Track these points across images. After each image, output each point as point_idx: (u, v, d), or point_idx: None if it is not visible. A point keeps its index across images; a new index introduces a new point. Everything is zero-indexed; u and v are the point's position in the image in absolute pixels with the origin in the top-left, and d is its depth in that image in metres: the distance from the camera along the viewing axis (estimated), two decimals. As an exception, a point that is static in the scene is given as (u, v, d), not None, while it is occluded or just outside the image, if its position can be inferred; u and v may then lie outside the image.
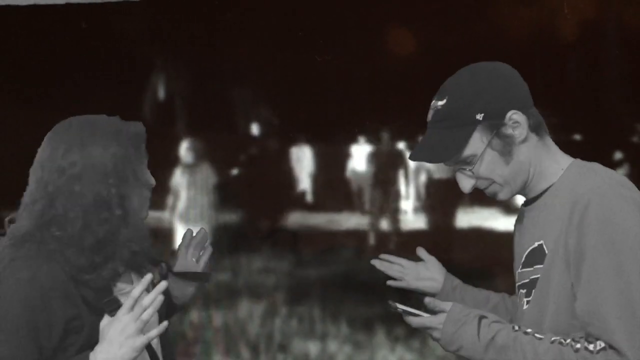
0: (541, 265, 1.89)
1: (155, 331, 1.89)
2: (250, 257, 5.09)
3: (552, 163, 1.93)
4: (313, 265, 5.12)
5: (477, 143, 1.86)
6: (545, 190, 1.93)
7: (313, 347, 4.88)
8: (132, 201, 2.02)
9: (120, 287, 2.08)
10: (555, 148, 1.98)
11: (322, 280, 5.05)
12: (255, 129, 5.23)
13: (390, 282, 2.45)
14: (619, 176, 1.95)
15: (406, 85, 4.45)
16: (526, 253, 1.93)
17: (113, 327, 1.86)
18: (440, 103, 1.89)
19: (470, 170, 1.89)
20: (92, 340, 1.92)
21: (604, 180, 1.88)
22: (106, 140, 2.00)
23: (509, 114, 1.87)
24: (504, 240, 4.47)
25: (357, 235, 5.09)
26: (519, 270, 1.97)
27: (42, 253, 1.94)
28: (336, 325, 4.90)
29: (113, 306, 1.95)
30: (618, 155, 4.84)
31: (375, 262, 2.50)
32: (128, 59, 4.81)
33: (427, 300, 2.01)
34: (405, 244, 4.99)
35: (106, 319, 1.91)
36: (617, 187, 1.86)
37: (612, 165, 4.72)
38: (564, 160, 1.96)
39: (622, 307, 1.75)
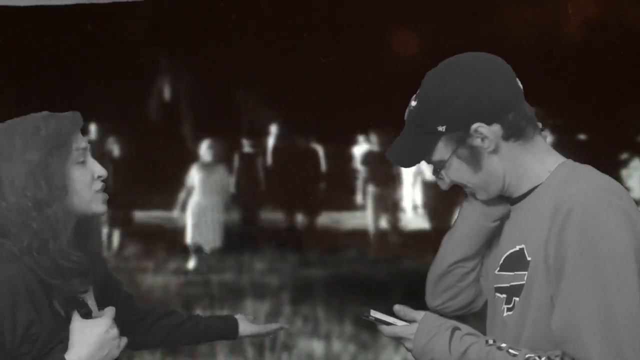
0: (524, 272, 1.74)
1: (125, 339, 1.92)
2: (255, 257, 5.10)
3: (537, 165, 1.78)
4: (317, 265, 5.13)
5: (442, 151, 1.77)
6: (530, 192, 1.79)
7: (317, 347, 4.89)
8: (52, 209, 1.89)
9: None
10: (544, 148, 1.81)
11: (327, 280, 5.06)
12: (259, 130, 5.24)
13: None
14: (609, 181, 1.75)
15: (410, 87, 4.45)
16: (505, 255, 1.80)
17: (94, 327, 1.86)
18: (413, 104, 1.82)
19: (441, 173, 1.82)
20: (44, 351, 1.86)
21: (589, 185, 1.71)
22: (21, 148, 1.89)
23: (474, 126, 1.73)
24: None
25: (361, 235, 5.10)
26: (496, 272, 1.83)
27: (9, 257, 1.87)
28: (340, 325, 4.91)
29: (84, 309, 1.92)
30: (623, 155, 4.85)
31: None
32: (133, 59, 4.83)
33: (396, 307, 1.87)
34: (409, 244, 5.00)
35: (79, 321, 1.88)
36: (604, 193, 1.69)
37: (616, 165, 4.72)
38: (552, 161, 1.79)
39: (601, 325, 1.61)
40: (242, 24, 4.78)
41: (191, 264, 5.24)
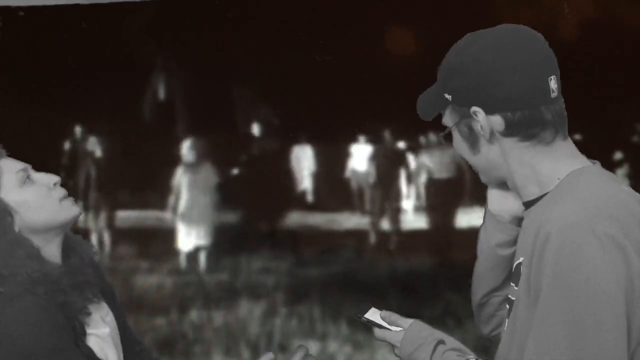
0: (516, 288, 1.63)
1: None
2: (250, 257, 5.09)
3: (546, 169, 1.63)
4: (313, 265, 5.13)
5: (448, 118, 1.68)
6: (538, 199, 1.64)
7: (313, 347, 4.89)
8: (4, 239, 1.90)
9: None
10: (564, 153, 1.64)
11: (322, 280, 5.05)
12: (255, 129, 5.24)
13: None
14: (604, 202, 1.55)
15: (406, 86, 4.45)
16: (514, 266, 1.68)
17: None
18: (444, 60, 1.70)
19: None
20: None
21: (574, 205, 1.54)
22: None
23: (473, 109, 1.62)
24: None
25: (357, 235, 5.09)
26: (510, 283, 1.72)
27: (20, 290, 1.86)
28: (336, 325, 4.90)
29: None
30: (618, 155, 4.85)
31: None
32: (128, 59, 4.82)
33: (383, 314, 1.80)
34: (405, 244, 5.00)
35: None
36: (589, 216, 1.50)
37: (613, 165, 4.72)
38: (566, 168, 1.62)
39: None
40: (237, 23, 4.77)
41: (186, 264, 5.23)
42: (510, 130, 1.62)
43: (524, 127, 1.62)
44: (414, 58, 4.59)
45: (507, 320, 1.66)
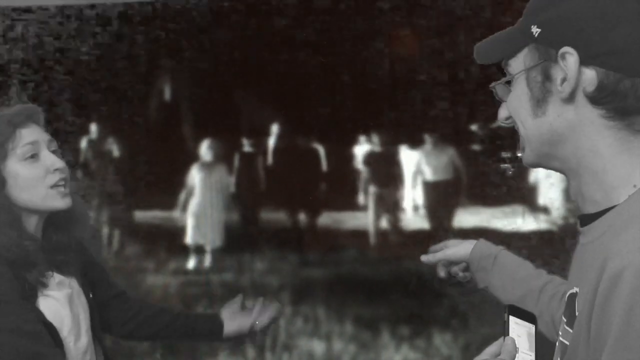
0: (570, 330, 1.26)
1: None
2: (255, 257, 5.10)
3: (621, 170, 1.20)
4: (318, 265, 5.13)
5: (521, 61, 1.26)
6: (603, 212, 1.23)
7: (318, 347, 4.89)
8: None
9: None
10: None
11: (327, 280, 5.05)
12: (260, 129, 5.24)
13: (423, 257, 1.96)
14: None
15: (410, 86, 4.45)
16: (567, 294, 1.30)
17: None
18: None
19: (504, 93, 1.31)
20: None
21: None
22: None
23: (563, 50, 1.20)
24: (506, 241, 4.47)
25: (362, 235, 5.09)
26: (561, 314, 1.33)
27: None
28: (341, 325, 4.91)
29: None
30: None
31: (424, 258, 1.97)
32: (133, 59, 4.83)
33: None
34: (410, 245, 4.99)
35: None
36: None
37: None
38: None
39: None
40: (241, 23, 4.77)
41: (191, 264, 5.24)
42: (602, 95, 1.20)
43: (620, 96, 1.19)
44: (416, 60, 4.59)
45: (559, 352, 1.31)
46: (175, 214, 5.27)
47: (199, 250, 5.23)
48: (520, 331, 1.33)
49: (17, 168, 1.97)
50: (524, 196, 4.72)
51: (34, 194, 1.98)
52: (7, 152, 1.96)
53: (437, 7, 4.48)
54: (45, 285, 1.97)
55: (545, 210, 4.72)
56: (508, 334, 1.31)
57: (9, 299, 1.90)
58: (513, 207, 4.70)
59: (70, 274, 2.05)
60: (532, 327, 1.34)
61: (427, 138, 5.01)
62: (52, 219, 2.04)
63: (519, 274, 1.81)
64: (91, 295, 2.12)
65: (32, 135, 2.00)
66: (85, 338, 2.06)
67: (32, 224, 2.00)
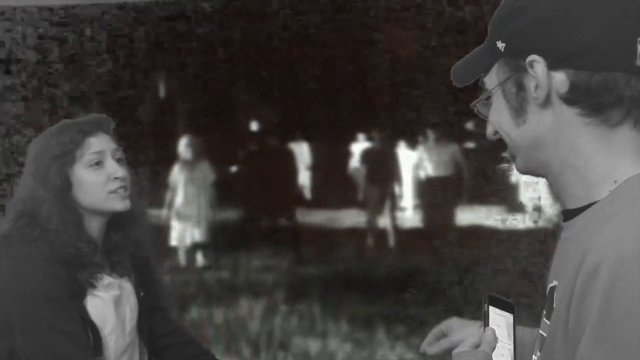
0: (548, 322, 1.27)
1: None
2: (250, 255, 5.10)
3: (602, 165, 1.23)
4: (313, 263, 5.13)
5: (493, 77, 1.29)
6: (583, 209, 1.25)
7: (313, 345, 4.89)
8: (44, 207, 2.15)
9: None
10: (625, 145, 1.23)
11: (323, 278, 5.05)
12: (254, 127, 5.24)
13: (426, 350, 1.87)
14: None
15: (409, 85, 4.46)
16: (547, 288, 1.31)
17: None
18: (500, 5, 1.31)
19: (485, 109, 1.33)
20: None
21: (632, 229, 1.14)
22: (34, 155, 2.19)
23: (530, 58, 1.22)
24: (502, 238, 4.47)
25: (357, 233, 5.09)
26: (544, 310, 1.34)
27: (30, 237, 2.14)
28: (336, 323, 4.91)
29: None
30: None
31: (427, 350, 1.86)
32: (128, 58, 4.82)
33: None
34: (406, 243, 5.00)
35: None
36: None
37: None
38: (625, 169, 1.22)
39: None
40: (239, 22, 4.77)
41: (186, 262, 5.23)
42: (575, 94, 1.21)
43: (593, 93, 1.20)
44: (415, 58, 4.59)
45: (534, 357, 1.32)
46: (169, 211, 5.27)
47: (194, 248, 5.22)
48: (499, 321, 1.36)
49: (83, 174, 2.17)
50: (520, 195, 4.73)
51: (96, 198, 2.17)
52: (75, 158, 2.16)
53: (437, 8, 4.48)
54: (93, 286, 2.14)
55: (539, 209, 4.73)
56: (488, 324, 1.35)
57: (57, 297, 2.07)
58: (509, 205, 4.70)
59: (123, 274, 2.24)
60: (510, 317, 1.38)
61: (425, 137, 5.01)
62: (114, 221, 2.23)
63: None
64: (142, 294, 2.28)
65: (99, 143, 2.19)
66: (127, 338, 2.21)
67: (95, 225, 2.19)
